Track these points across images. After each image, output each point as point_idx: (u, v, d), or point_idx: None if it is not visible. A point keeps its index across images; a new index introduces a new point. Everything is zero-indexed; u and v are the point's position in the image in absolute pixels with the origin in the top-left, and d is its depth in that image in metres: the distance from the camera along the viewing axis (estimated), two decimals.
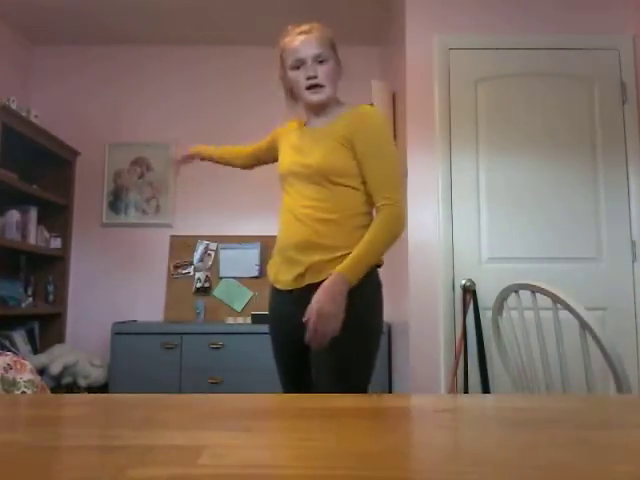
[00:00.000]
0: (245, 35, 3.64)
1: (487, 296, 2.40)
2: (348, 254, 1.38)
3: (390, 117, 2.93)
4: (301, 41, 1.46)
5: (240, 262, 3.52)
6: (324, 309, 1.30)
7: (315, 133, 1.52)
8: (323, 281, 1.36)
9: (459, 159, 2.56)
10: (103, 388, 3.16)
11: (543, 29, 2.64)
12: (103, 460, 0.47)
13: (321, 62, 1.46)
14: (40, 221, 3.33)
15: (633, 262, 2.51)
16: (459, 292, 2.48)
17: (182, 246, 3.58)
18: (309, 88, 1.46)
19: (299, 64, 1.46)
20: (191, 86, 3.75)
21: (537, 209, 2.54)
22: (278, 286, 1.52)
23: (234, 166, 1.86)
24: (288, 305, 1.48)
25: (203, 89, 3.75)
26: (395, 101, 2.97)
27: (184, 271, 3.54)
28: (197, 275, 3.52)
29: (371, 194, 1.44)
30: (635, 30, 2.60)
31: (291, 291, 1.47)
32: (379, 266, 1.48)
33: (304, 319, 1.33)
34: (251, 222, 3.60)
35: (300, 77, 1.47)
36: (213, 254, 3.56)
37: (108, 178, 3.64)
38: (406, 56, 2.65)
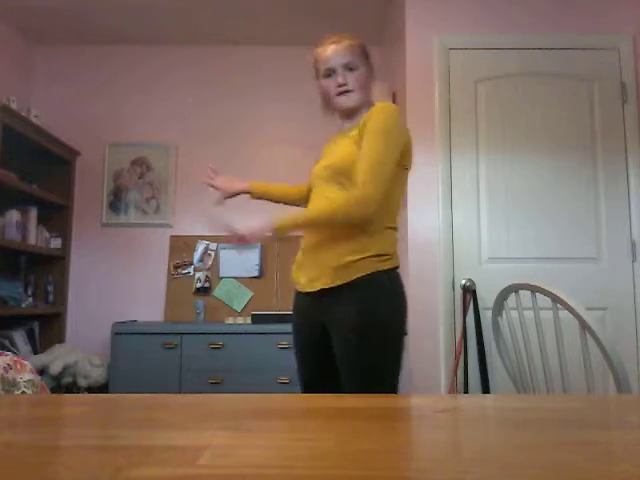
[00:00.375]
0: (245, 35, 3.64)
1: (487, 296, 2.40)
2: (358, 260, 1.40)
3: None
4: (332, 50, 1.52)
5: (240, 262, 3.52)
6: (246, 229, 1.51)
7: (339, 136, 1.59)
8: (334, 287, 1.41)
9: (459, 159, 2.56)
10: (103, 388, 3.16)
11: (543, 29, 2.64)
12: (103, 460, 0.46)
13: (351, 70, 1.51)
14: (40, 221, 3.33)
15: (633, 262, 2.51)
16: (459, 292, 2.48)
17: (182, 246, 3.58)
18: (339, 95, 1.53)
19: (330, 72, 1.53)
20: (191, 86, 3.75)
21: (537, 209, 2.54)
22: (297, 287, 1.58)
23: (297, 203, 1.82)
24: (306, 306, 1.54)
25: (203, 89, 3.75)
26: (395, 101, 2.97)
27: (184, 271, 3.54)
28: (197, 275, 3.52)
29: None
30: (635, 30, 2.60)
31: (307, 293, 1.51)
32: (397, 268, 1.47)
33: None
34: (251, 222, 3.59)
35: (331, 85, 1.53)
36: (213, 254, 3.56)
37: (108, 178, 3.64)
38: (406, 56, 2.65)
